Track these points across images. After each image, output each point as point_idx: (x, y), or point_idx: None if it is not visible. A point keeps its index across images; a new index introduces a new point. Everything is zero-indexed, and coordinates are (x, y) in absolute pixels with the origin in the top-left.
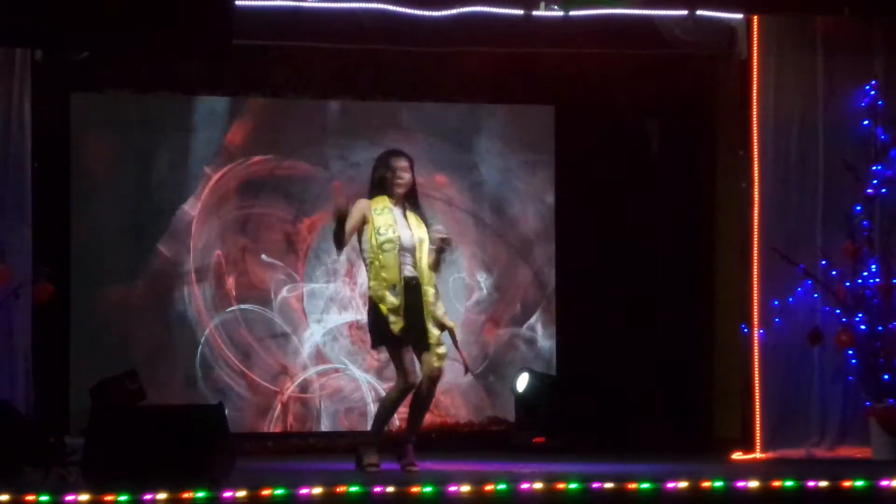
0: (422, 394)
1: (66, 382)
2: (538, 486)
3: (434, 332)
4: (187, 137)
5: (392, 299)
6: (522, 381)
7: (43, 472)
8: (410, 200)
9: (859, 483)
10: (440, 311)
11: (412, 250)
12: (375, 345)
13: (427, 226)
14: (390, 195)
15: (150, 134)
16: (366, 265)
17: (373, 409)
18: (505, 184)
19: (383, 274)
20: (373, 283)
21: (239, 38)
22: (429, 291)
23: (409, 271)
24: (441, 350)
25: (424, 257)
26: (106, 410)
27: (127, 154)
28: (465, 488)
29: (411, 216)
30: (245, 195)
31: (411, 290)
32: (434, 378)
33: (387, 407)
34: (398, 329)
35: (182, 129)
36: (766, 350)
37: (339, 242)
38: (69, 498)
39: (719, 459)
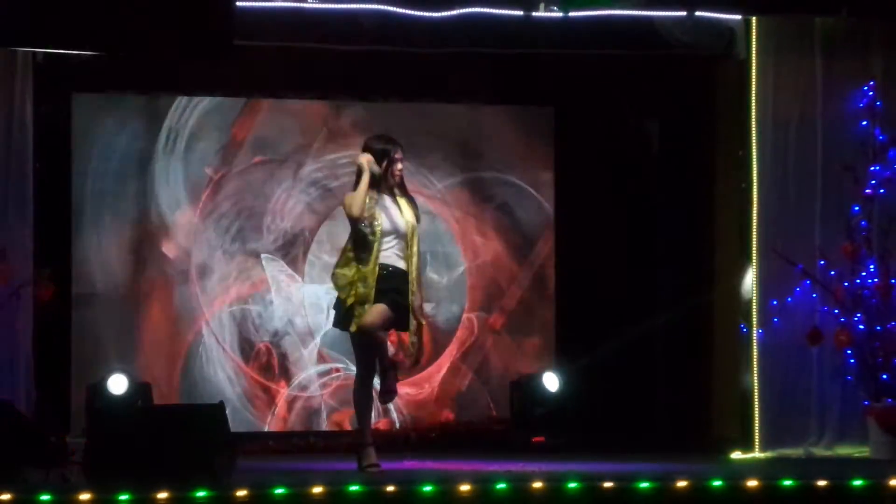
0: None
1: (67, 382)
2: (538, 486)
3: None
4: (187, 137)
5: (362, 290)
6: (553, 381)
7: (43, 472)
8: (401, 186)
9: (858, 482)
10: (416, 302)
11: (404, 237)
12: (338, 327)
13: (414, 207)
14: (382, 186)
15: (151, 134)
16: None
17: (374, 409)
18: (505, 184)
19: (360, 266)
20: (339, 271)
21: (239, 38)
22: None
23: (395, 259)
24: (413, 338)
25: (416, 244)
26: (106, 410)
27: (128, 154)
28: (465, 488)
29: (402, 202)
30: (245, 195)
31: (397, 277)
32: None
33: (357, 402)
34: (361, 320)
35: (182, 129)
36: (765, 350)
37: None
38: (69, 498)
39: (719, 459)
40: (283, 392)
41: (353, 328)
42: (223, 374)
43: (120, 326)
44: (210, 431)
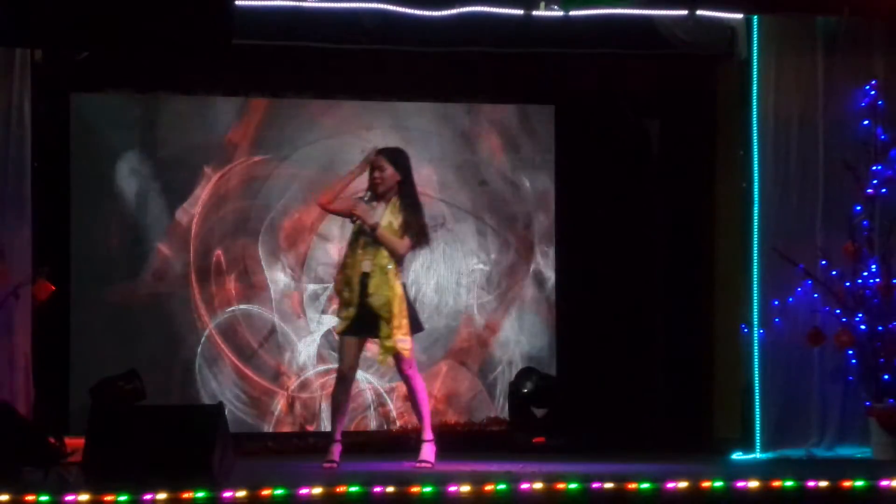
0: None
1: (66, 382)
2: (538, 486)
3: (384, 327)
4: (187, 137)
5: (346, 294)
6: (527, 382)
7: (43, 472)
8: (400, 199)
9: (859, 483)
10: (397, 328)
11: (377, 246)
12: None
13: (403, 223)
14: (373, 193)
15: (150, 134)
16: None
17: (373, 409)
18: (505, 183)
19: (346, 270)
20: (337, 276)
21: (239, 38)
22: (384, 289)
23: (367, 266)
24: (388, 343)
25: (387, 254)
26: (106, 410)
27: (127, 154)
28: (465, 488)
29: (389, 211)
30: (245, 195)
31: (365, 284)
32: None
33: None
34: (343, 323)
35: (182, 129)
36: (766, 350)
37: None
38: (69, 498)
39: (719, 459)
40: (283, 393)
41: (337, 329)
42: (222, 374)
43: (119, 326)
44: (209, 432)
